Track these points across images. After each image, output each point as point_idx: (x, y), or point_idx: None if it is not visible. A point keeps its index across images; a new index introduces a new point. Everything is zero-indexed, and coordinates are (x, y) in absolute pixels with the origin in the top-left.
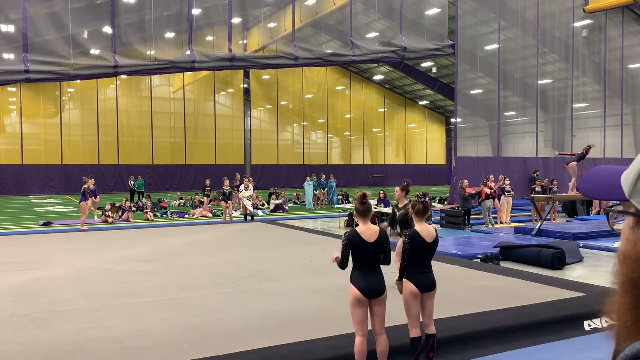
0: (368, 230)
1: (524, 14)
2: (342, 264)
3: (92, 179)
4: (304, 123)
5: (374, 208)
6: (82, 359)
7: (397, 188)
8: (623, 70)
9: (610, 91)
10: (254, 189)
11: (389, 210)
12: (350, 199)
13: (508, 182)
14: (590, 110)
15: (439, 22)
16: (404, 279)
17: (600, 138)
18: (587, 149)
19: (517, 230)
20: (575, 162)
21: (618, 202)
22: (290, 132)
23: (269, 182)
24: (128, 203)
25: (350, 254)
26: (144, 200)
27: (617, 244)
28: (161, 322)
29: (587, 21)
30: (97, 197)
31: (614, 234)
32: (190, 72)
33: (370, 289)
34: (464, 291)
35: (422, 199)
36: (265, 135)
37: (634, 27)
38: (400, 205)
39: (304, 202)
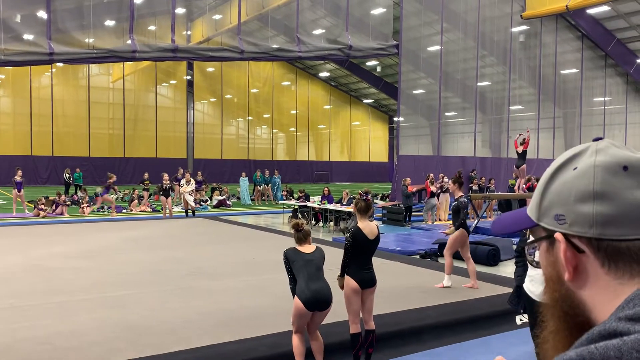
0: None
1: (466, 18)
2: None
3: (20, 171)
4: (249, 118)
5: (318, 205)
6: None
7: (450, 181)
8: (556, 75)
9: (544, 95)
10: (199, 184)
11: (332, 207)
12: (295, 195)
13: (447, 180)
14: (525, 113)
15: (384, 22)
16: (345, 276)
17: (534, 139)
18: (523, 143)
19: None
20: (524, 165)
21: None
22: (234, 127)
23: (212, 177)
24: (63, 197)
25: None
26: (79, 194)
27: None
28: (95, 321)
29: (524, 27)
30: (22, 190)
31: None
32: (130, 62)
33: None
34: (403, 287)
35: (365, 197)
36: (209, 129)
37: (567, 35)
38: (455, 197)
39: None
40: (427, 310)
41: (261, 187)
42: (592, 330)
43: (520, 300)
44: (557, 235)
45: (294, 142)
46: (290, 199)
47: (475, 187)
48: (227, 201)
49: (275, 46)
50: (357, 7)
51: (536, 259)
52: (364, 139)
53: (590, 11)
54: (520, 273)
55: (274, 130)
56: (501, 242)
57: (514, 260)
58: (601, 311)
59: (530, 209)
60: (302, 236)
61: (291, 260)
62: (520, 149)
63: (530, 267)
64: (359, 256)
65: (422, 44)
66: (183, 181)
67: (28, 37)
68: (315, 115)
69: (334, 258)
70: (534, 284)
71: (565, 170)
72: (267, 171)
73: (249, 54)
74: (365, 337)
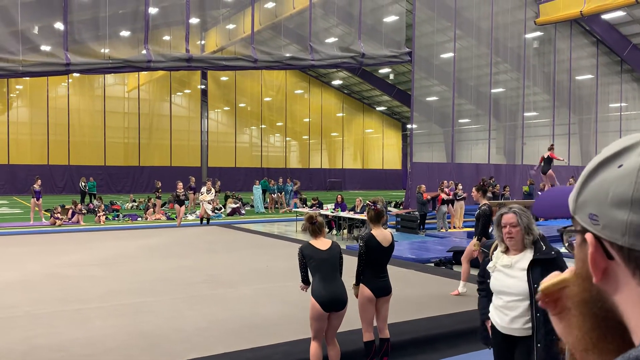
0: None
1: (479, 24)
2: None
3: (39, 180)
4: (263, 126)
5: (331, 212)
6: None
7: (474, 189)
8: (571, 81)
9: (559, 101)
10: (215, 194)
11: (346, 214)
12: (308, 203)
13: (461, 187)
14: (540, 119)
15: (397, 30)
16: (361, 284)
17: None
18: (551, 149)
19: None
20: (551, 170)
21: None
22: (248, 135)
23: (225, 185)
24: (79, 205)
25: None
26: (95, 202)
27: (563, 249)
28: (110, 328)
29: (538, 33)
30: (40, 199)
31: (560, 239)
32: (145, 72)
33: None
34: (418, 295)
35: (373, 207)
36: (222, 138)
37: (581, 41)
38: (479, 204)
39: (253, 206)
40: (442, 318)
41: (275, 195)
42: (629, 354)
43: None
44: (587, 237)
45: (307, 150)
46: (304, 207)
47: (489, 195)
48: (240, 209)
49: (288, 55)
50: (370, 15)
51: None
52: (377, 146)
53: (605, 16)
54: (485, 305)
55: (287, 139)
56: None
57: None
58: (633, 319)
59: (570, 198)
60: (316, 229)
61: (307, 257)
62: (546, 155)
63: (495, 294)
64: (373, 264)
65: (435, 51)
66: (204, 189)
67: (45, 48)
68: (328, 123)
69: (348, 265)
70: (499, 313)
71: (610, 166)
72: (281, 179)
73: (262, 63)
74: (379, 345)
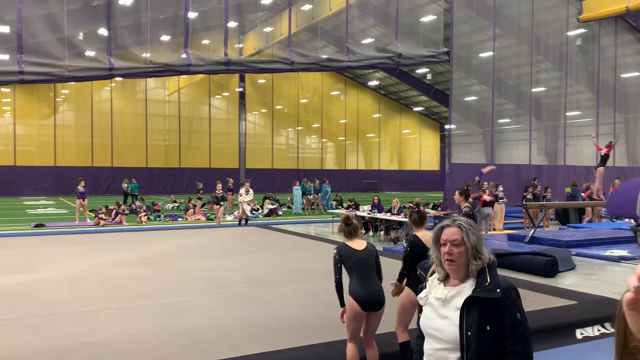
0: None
1: (519, 22)
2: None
3: (83, 181)
4: (299, 127)
5: (367, 214)
6: None
7: (457, 193)
8: (616, 79)
9: (603, 100)
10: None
11: (382, 216)
12: (344, 204)
13: (501, 189)
14: (583, 119)
15: (435, 29)
16: (405, 287)
17: (594, 146)
18: (609, 146)
19: (510, 238)
20: (602, 167)
21: None
22: (285, 137)
23: (263, 186)
24: (122, 206)
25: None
26: (137, 203)
27: (608, 252)
28: (152, 327)
29: (581, 30)
30: (86, 199)
31: (605, 242)
32: (185, 76)
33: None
34: None
35: (416, 209)
36: (260, 139)
37: (627, 37)
38: (461, 207)
39: (290, 207)
40: None
41: (311, 196)
42: None
43: None
44: None
45: (343, 151)
46: (340, 208)
47: (529, 196)
48: (277, 210)
49: (324, 56)
50: (407, 15)
51: None
52: (414, 147)
53: None
54: (420, 348)
55: (323, 140)
56: (559, 253)
57: (572, 271)
58: None
59: (639, 200)
60: (352, 230)
61: (344, 257)
62: (603, 152)
63: (425, 336)
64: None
65: (474, 50)
66: (242, 190)
67: (90, 53)
68: (365, 124)
69: (385, 268)
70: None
71: None
72: (317, 180)
73: (299, 65)
74: None
